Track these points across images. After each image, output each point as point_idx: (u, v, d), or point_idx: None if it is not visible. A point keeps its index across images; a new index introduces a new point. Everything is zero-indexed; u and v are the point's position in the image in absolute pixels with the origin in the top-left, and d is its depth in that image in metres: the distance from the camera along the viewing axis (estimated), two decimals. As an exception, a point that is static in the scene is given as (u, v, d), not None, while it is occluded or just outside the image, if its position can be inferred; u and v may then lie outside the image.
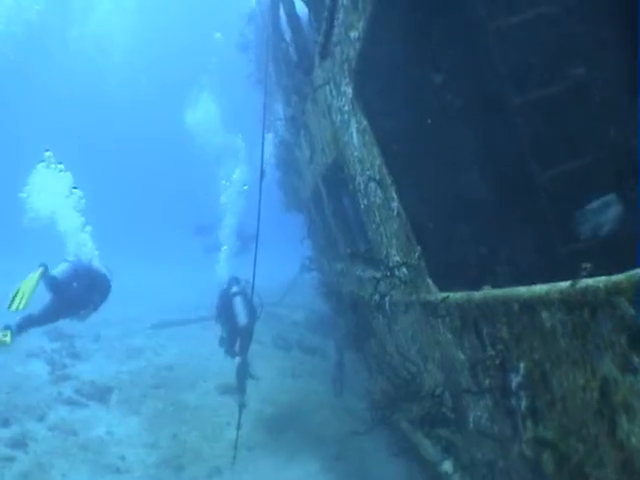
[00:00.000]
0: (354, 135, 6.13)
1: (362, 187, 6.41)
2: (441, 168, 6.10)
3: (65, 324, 13.07)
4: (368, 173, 5.91)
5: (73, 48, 56.51)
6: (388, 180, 5.35)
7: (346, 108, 6.20)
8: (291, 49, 9.55)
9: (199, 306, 21.04)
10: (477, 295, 3.75)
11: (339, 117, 6.67)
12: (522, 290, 3.01)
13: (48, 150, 12.70)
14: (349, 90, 5.89)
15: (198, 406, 13.43)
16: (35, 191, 12.41)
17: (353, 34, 5.28)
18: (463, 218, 6.07)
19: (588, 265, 2.55)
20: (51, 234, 12.51)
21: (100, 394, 13.94)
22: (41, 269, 10.90)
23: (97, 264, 12.40)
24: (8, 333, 10.27)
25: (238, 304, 12.59)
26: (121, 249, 26.00)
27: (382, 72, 5.79)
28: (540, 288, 2.79)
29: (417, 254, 5.08)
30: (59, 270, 11.53)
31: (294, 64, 9.22)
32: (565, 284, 2.54)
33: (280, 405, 13.12)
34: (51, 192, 12.41)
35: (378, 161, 5.48)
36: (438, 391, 5.33)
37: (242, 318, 12.29)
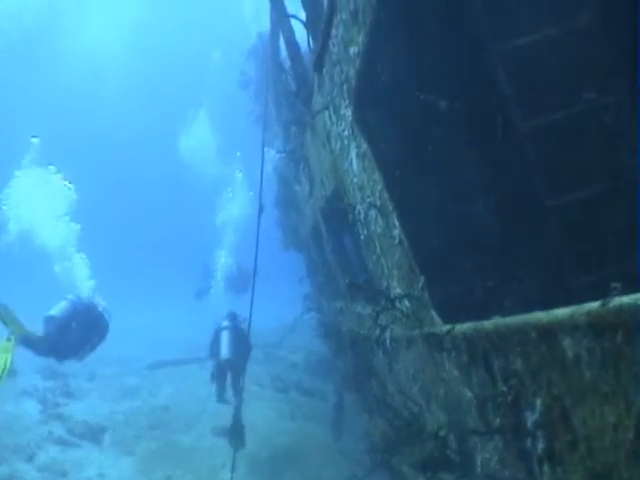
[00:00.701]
0: (354, 161, 5.85)
1: (362, 216, 6.09)
2: (445, 197, 5.80)
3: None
4: (369, 200, 5.60)
5: (66, 62, 56.32)
6: (389, 206, 5.03)
7: (345, 133, 5.92)
8: (290, 77, 9.37)
9: (196, 346, 20.78)
10: (487, 325, 3.42)
11: (338, 144, 6.39)
12: (540, 315, 2.66)
13: (35, 137, 12.13)
14: (349, 113, 5.61)
15: (193, 448, 13.15)
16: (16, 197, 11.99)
17: (353, 49, 5.02)
18: (468, 249, 5.76)
19: (618, 285, 2.23)
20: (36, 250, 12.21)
21: (93, 434, 13.74)
22: (10, 342, 10.19)
23: (96, 303, 12.14)
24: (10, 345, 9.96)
25: (224, 338, 12.57)
26: (118, 286, 25.73)
27: (383, 95, 5.54)
28: (562, 312, 2.44)
29: (420, 284, 4.74)
30: (58, 309, 11.22)
31: (293, 93, 9.01)
32: (594, 304, 2.20)
33: (277, 447, 12.80)
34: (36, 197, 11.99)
35: (379, 186, 5.18)
36: (442, 432, 4.96)
37: (225, 352, 12.28)
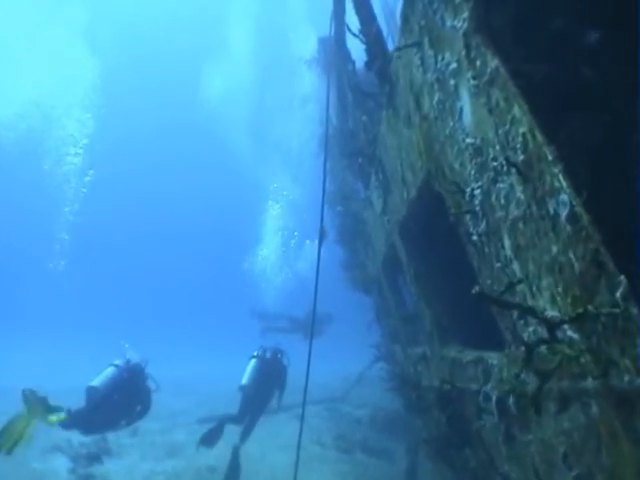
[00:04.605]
0: (466, 107, 3.64)
1: (478, 200, 3.82)
2: (606, 164, 3.56)
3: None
4: (495, 165, 3.36)
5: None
6: (547, 153, 2.76)
7: (453, 65, 3.74)
8: (361, 40, 7.37)
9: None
10: None
11: (437, 96, 4.22)
12: None
13: None
14: (461, 21, 3.44)
15: (243, 518, 11.35)
16: None
17: None
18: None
19: None
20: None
21: (126, 499, 11.98)
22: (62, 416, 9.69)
23: (145, 372, 11.10)
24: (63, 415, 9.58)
25: (249, 366, 11.93)
26: (173, 336, 24.44)
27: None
28: None
29: (620, 290, 2.45)
30: (102, 379, 10.35)
31: (365, 64, 7.02)
32: None
33: (340, 519, 10.97)
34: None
35: (522, 128, 2.92)
36: None
37: (245, 379, 11.62)
